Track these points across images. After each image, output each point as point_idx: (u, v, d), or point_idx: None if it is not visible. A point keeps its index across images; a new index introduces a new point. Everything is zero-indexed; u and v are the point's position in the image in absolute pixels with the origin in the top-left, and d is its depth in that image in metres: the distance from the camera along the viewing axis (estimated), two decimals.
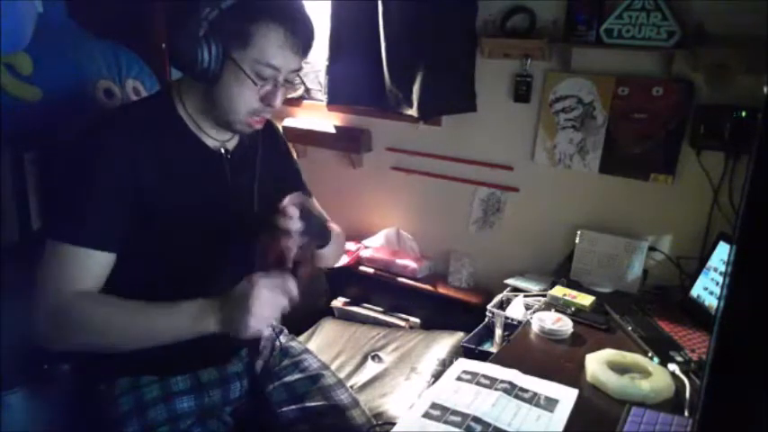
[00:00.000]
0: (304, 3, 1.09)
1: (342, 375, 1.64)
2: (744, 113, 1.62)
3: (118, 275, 1.02)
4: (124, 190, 0.98)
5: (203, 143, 1.10)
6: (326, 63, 2.23)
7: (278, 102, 1.04)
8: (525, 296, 1.82)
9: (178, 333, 0.96)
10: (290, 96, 1.11)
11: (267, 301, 0.93)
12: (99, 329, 0.96)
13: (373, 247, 2.36)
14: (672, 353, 1.33)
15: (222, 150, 1.12)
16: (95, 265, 0.98)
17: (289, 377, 1.27)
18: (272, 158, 1.24)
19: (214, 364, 1.19)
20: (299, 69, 1.05)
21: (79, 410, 1.21)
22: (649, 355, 1.33)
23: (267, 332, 1.08)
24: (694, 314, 1.57)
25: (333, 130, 2.40)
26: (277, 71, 1.01)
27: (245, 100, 1.02)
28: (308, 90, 2.43)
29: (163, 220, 1.03)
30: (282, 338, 1.37)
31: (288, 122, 2.50)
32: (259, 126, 1.08)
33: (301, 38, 1.01)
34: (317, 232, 1.09)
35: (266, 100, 1.03)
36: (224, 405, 1.19)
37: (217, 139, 1.11)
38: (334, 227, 1.26)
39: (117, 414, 1.10)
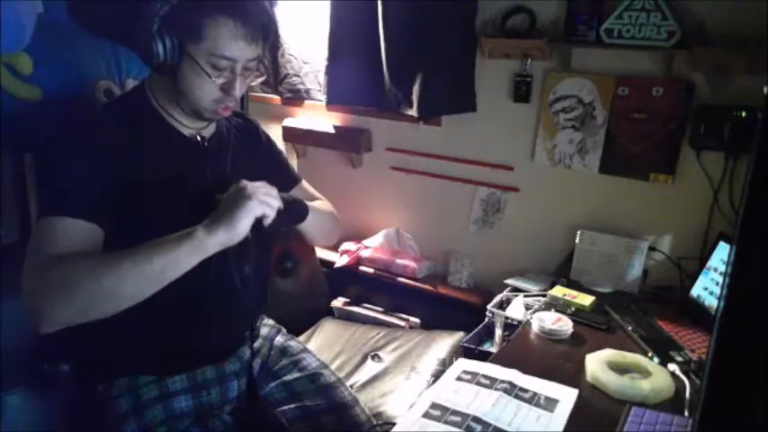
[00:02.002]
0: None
1: (341, 375, 1.64)
2: (744, 113, 1.62)
3: None
4: (108, 177, 1.01)
5: (179, 132, 1.13)
6: (326, 63, 2.22)
7: (237, 91, 1.07)
8: (525, 296, 1.82)
9: (177, 261, 0.96)
10: (255, 84, 1.15)
11: (258, 189, 1.01)
12: (92, 277, 0.92)
13: (373, 247, 2.36)
14: (672, 353, 1.33)
15: (198, 138, 1.15)
16: (80, 234, 0.98)
17: (287, 376, 1.27)
18: (251, 149, 1.28)
19: (211, 363, 1.19)
20: (257, 58, 1.08)
21: (78, 411, 1.21)
22: (649, 355, 1.33)
23: (267, 215, 1.07)
24: (694, 314, 1.57)
25: (333, 130, 2.40)
26: (233, 62, 1.04)
27: (206, 90, 1.05)
28: (307, 90, 2.44)
29: (146, 206, 1.05)
30: (280, 337, 1.36)
31: (288, 122, 2.50)
32: (226, 113, 1.12)
33: (255, 27, 1.03)
34: (293, 211, 1.16)
35: (225, 89, 1.06)
36: (222, 404, 1.19)
37: (191, 127, 1.14)
38: (320, 205, 1.32)
39: (115, 415, 1.10)
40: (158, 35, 1.00)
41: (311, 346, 1.96)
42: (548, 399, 1.14)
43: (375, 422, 1.31)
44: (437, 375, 1.72)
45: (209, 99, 1.07)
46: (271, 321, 1.41)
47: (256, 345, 1.29)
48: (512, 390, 1.16)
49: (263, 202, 1.01)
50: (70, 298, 0.91)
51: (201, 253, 0.97)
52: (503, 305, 1.83)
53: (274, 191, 1.05)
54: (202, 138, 1.16)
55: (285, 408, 1.24)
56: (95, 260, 0.96)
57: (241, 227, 0.98)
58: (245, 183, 1.03)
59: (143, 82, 1.15)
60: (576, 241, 1.91)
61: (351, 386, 1.65)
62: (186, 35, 1.01)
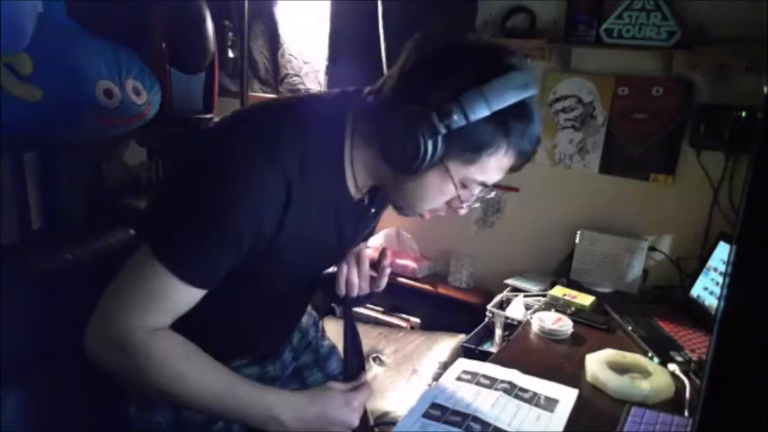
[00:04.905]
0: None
1: None
2: (744, 113, 1.62)
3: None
4: (256, 230, 0.81)
5: (350, 194, 0.93)
6: (326, 63, 2.23)
7: (465, 211, 0.92)
8: (525, 296, 1.82)
9: (248, 412, 0.86)
10: None
11: (357, 420, 0.95)
12: (170, 381, 0.82)
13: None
14: (672, 353, 1.33)
15: (361, 199, 0.96)
16: (189, 302, 0.82)
17: (311, 378, 1.21)
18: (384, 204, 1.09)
19: (255, 365, 1.11)
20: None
21: (86, 409, 1.20)
22: (649, 355, 1.33)
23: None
24: (694, 314, 1.57)
25: None
26: (486, 188, 0.89)
27: (433, 201, 0.90)
28: (307, 90, 2.44)
29: (269, 262, 0.88)
30: (314, 331, 1.28)
31: None
32: (427, 217, 0.95)
33: (526, 160, 0.87)
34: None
35: (454, 205, 0.90)
36: None
37: (361, 189, 0.94)
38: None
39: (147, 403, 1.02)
40: (432, 140, 0.78)
41: None
42: (548, 399, 1.14)
43: (375, 422, 1.31)
44: (438, 378, 1.72)
45: (428, 207, 0.91)
46: (308, 308, 1.26)
47: (295, 341, 1.20)
48: (512, 390, 1.16)
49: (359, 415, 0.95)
50: (137, 378, 0.82)
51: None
52: (503, 305, 1.83)
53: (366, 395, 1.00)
54: (361, 200, 0.96)
55: None
56: (181, 370, 0.82)
57: None
58: (358, 402, 0.95)
59: (342, 131, 0.88)
60: (576, 241, 1.91)
61: None
62: (458, 153, 0.81)
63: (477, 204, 0.93)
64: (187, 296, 0.81)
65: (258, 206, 0.79)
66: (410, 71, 0.82)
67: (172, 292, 0.79)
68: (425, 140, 0.77)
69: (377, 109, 0.84)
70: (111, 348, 0.80)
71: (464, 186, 0.86)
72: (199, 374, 0.83)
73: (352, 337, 1.06)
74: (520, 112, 0.80)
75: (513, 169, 0.88)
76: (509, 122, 0.79)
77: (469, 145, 0.80)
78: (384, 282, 1.02)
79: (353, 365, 1.06)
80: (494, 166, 0.84)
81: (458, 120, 0.77)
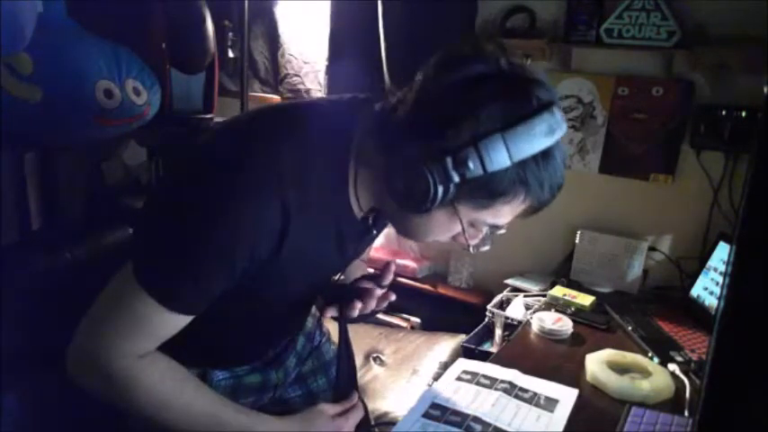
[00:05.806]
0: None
1: None
2: (744, 113, 1.62)
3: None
4: (252, 247, 0.75)
5: (354, 213, 0.88)
6: (326, 63, 2.23)
7: (472, 249, 0.86)
8: (525, 296, 1.82)
9: None
10: None
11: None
12: (155, 408, 0.79)
13: (373, 247, 2.36)
14: (672, 353, 1.33)
15: (359, 216, 0.90)
16: (176, 327, 0.78)
17: (314, 384, 1.20)
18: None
19: (258, 372, 1.09)
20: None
21: (86, 409, 1.19)
22: (649, 355, 1.33)
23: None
24: (694, 314, 1.58)
25: None
26: (495, 228, 0.83)
27: (438, 236, 0.84)
28: (307, 90, 2.44)
29: (273, 279, 0.84)
30: (319, 335, 1.25)
31: None
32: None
33: (543, 206, 0.81)
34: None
35: (459, 241, 0.84)
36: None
37: (363, 208, 0.88)
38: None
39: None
40: (442, 184, 0.71)
41: None
42: (548, 399, 1.14)
43: (374, 422, 1.31)
44: (438, 378, 1.72)
45: (434, 239, 0.86)
46: (312, 309, 1.24)
47: (299, 347, 1.18)
48: (512, 390, 1.16)
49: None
50: (123, 403, 0.80)
51: None
52: (503, 305, 1.83)
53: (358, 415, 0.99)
54: (365, 218, 0.91)
55: None
56: (168, 395, 0.80)
57: None
58: (347, 427, 0.95)
59: (348, 151, 0.82)
60: (576, 241, 1.91)
61: None
62: (470, 199, 0.75)
63: (486, 247, 0.87)
64: (173, 323, 0.77)
65: (252, 233, 0.73)
66: (428, 100, 0.74)
67: (156, 320, 0.75)
68: (436, 186, 0.71)
69: (387, 136, 0.77)
70: (94, 375, 0.77)
71: (472, 225, 0.81)
72: (185, 402, 0.81)
73: (346, 355, 1.05)
74: (544, 159, 0.73)
75: (528, 213, 0.81)
76: (530, 171, 0.72)
77: (484, 192, 0.74)
78: (384, 304, 1.01)
79: (346, 384, 1.04)
80: (507, 212, 0.78)
81: (474, 169, 0.69)
